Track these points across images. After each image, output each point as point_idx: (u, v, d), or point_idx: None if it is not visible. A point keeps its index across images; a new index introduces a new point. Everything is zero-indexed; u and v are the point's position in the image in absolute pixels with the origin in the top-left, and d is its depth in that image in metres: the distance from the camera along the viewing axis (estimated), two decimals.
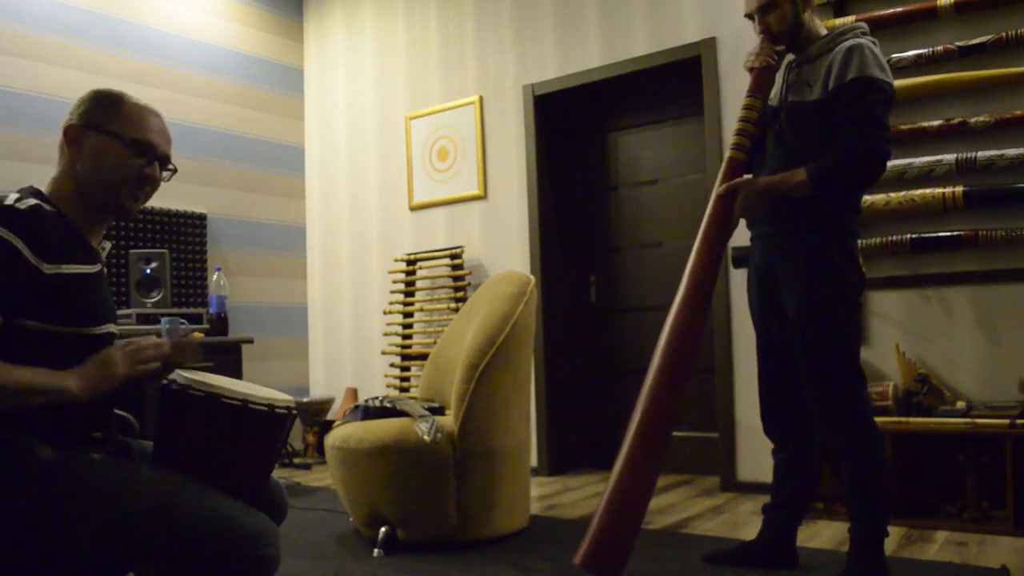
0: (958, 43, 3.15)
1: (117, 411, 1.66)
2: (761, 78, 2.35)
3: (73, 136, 1.52)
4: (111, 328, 1.54)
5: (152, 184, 1.57)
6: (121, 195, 1.53)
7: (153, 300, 3.96)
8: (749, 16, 2.37)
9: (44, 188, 1.52)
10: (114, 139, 1.51)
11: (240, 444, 1.49)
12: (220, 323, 4.02)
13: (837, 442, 2.23)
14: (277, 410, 1.50)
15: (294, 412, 1.56)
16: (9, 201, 1.39)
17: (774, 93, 2.40)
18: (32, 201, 1.41)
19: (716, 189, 2.31)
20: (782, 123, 2.33)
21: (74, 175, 1.51)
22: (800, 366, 2.30)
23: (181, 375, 1.47)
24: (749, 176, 2.39)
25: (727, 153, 2.36)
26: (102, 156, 1.50)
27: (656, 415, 2.09)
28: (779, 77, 2.40)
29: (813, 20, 2.34)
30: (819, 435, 2.42)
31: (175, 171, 1.63)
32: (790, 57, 2.40)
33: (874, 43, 2.23)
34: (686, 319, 2.17)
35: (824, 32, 2.34)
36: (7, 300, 1.34)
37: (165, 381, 1.48)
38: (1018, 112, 3.04)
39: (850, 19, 3.28)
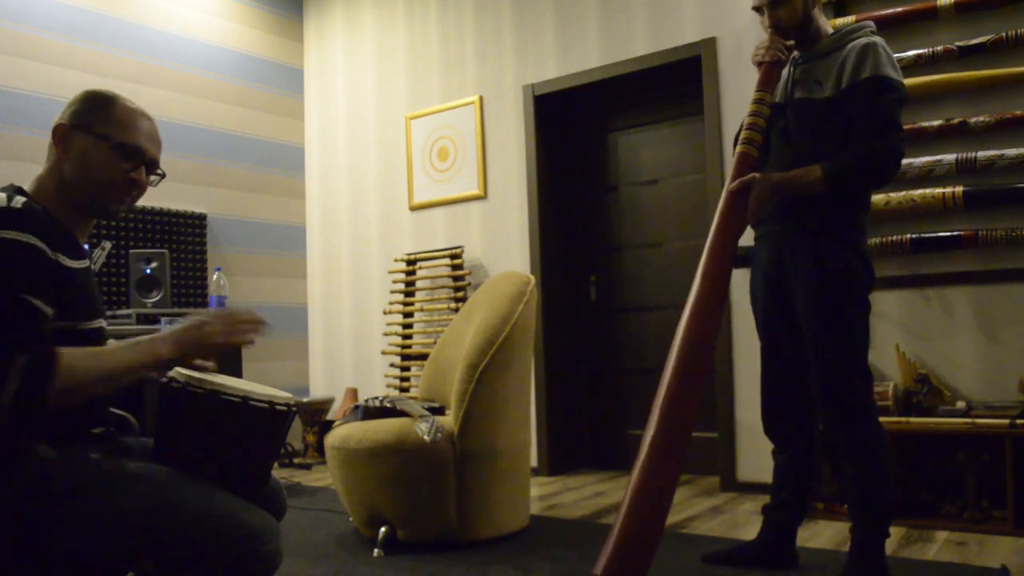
0: (958, 43, 3.15)
1: (116, 410, 1.66)
2: (771, 73, 2.33)
3: (61, 136, 1.50)
4: (102, 323, 1.55)
5: (138, 189, 1.55)
6: (106, 198, 1.51)
7: (153, 300, 3.95)
8: (757, 9, 2.34)
9: (27, 186, 1.50)
10: (102, 141, 1.49)
11: (240, 441, 1.49)
12: None
13: (842, 442, 2.21)
14: (277, 407, 1.50)
15: (294, 409, 1.56)
16: (2, 203, 1.37)
17: (778, 89, 2.38)
18: (22, 199, 1.40)
19: (728, 185, 2.28)
20: (789, 120, 2.32)
21: (60, 175, 1.49)
22: (811, 365, 2.27)
23: (180, 372, 1.46)
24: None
25: (738, 148, 2.32)
26: (89, 158, 1.48)
27: (675, 419, 2.04)
28: (783, 73, 2.38)
29: (820, 16, 2.33)
30: (823, 435, 2.41)
31: (163, 176, 1.61)
32: (794, 54, 2.38)
33: (885, 42, 2.22)
34: (702, 318, 2.13)
35: (830, 29, 2.33)
36: (51, 296, 1.35)
37: (165, 379, 1.48)
38: (1018, 112, 3.04)
39: (850, 19, 3.28)
